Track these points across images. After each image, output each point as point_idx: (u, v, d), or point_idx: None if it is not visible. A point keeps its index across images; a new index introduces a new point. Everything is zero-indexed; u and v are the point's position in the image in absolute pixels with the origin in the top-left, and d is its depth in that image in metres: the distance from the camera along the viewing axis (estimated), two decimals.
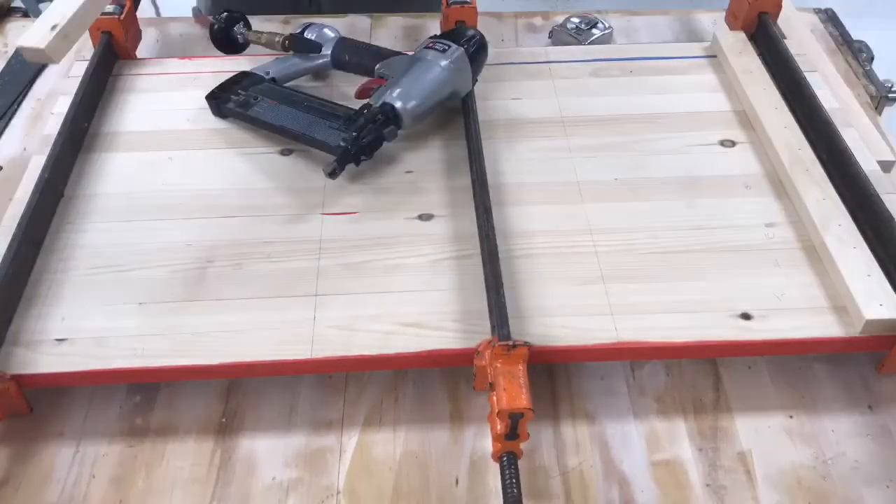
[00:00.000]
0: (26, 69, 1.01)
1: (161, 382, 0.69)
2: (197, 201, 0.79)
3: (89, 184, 0.79)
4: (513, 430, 0.59)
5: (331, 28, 0.92)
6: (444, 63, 0.83)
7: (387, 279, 0.72)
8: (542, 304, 0.70)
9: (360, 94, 0.87)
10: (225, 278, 0.72)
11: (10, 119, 0.94)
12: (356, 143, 0.78)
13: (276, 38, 0.91)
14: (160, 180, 0.82)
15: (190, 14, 1.18)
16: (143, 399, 0.69)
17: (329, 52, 0.90)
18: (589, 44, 1.03)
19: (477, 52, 0.87)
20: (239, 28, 0.95)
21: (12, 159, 0.89)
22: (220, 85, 0.89)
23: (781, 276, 0.72)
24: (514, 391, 0.59)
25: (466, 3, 0.95)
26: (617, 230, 0.76)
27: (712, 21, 1.08)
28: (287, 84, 0.91)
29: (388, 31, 1.07)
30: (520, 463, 0.59)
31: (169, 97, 0.91)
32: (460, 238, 0.76)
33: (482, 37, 0.88)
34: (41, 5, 1.13)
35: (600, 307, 0.69)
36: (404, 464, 0.64)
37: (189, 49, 1.05)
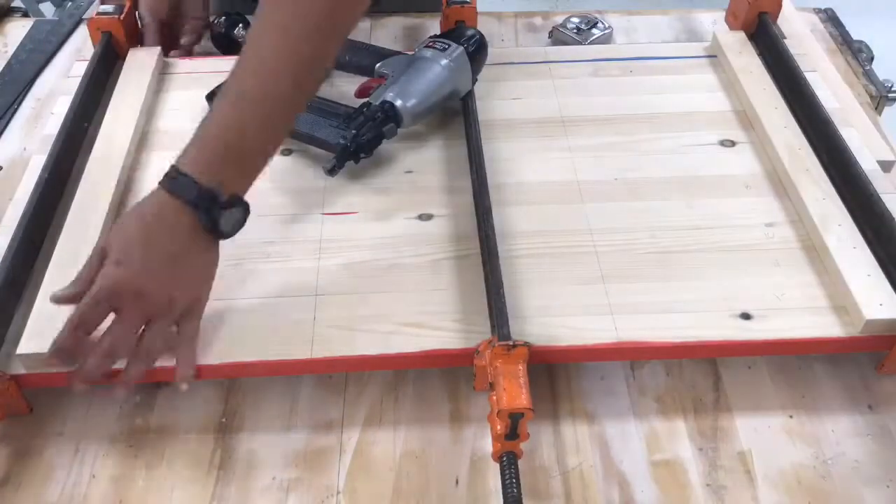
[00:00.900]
0: (26, 69, 1.01)
1: (161, 382, 0.69)
2: None
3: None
4: (513, 430, 0.59)
5: None
6: (443, 62, 0.83)
7: (387, 279, 0.72)
8: (542, 304, 0.70)
9: (360, 93, 0.87)
10: (225, 278, 0.72)
11: (10, 119, 0.94)
12: (356, 141, 0.78)
13: None
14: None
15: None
16: (143, 399, 0.69)
17: None
18: (589, 44, 1.03)
19: (477, 51, 0.87)
20: (239, 31, 0.96)
21: (12, 159, 0.89)
22: (220, 84, 0.89)
23: (781, 276, 0.72)
24: (514, 391, 0.59)
25: (466, 2, 0.95)
26: (617, 230, 0.76)
27: (712, 21, 1.08)
28: None
29: (387, 31, 1.07)
30: (520, 463, 0.59)
31: (169, 97, 0.92)
32: (460, 238, 0.76)
33: (482, 36, 0.88)
34: (41, 5, 1.13)
35: (600, 307, 0.69)
36: (404, 464, 0.64)
37: None
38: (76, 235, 0.73)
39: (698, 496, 0.62)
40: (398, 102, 0.80)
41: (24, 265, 0.72)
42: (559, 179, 0.81)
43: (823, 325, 0.68)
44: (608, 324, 0.68)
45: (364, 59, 0.89)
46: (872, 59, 1.02)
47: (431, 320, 0.69)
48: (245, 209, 0.67)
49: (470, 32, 0.88)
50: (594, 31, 1.04)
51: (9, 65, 1.02)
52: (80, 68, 0.92)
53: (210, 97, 0.88)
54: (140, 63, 0.93)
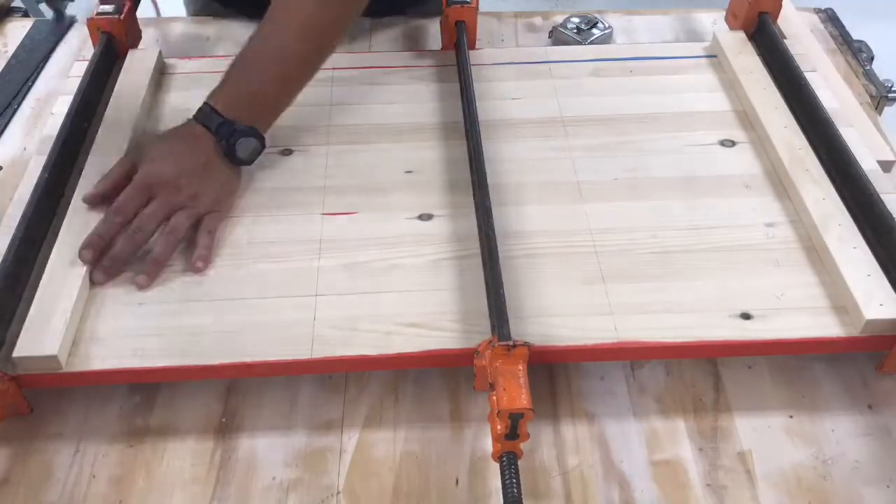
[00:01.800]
0: (26, 69, 1.01)
1: (161, 382, 0.69)
2: None
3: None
4: (513, 430, 0.59)
5: None
6: None
7: (387, 279, 0.72)
8: (542, 304, 0.70)
9: None
10: (225, 278, 0.72)
11: (10, 119, 0.94)
12: None
13: None
14: None
15: (190, 14, 1.18)
16: (143, 399, 0.69)
17: None
18: (589, 44, 1.03)
19: None
20: None
21: (12, 159, 0.89)
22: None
23: (781, 276, 0.72)
24: (514, 391, 0.59)
25: (466, 2, 0.95)
26: (617, 230, 0.76)
27: (712, 21, 1.08)
28: None
29: (387, 34, 1.07)
30: (520, 463, 0.59)
31: (169, 97, 0.92)
32: (460, 238, 0.76)
33: None
34: (41, 5, 1.13)
35: (600, 307, 0.69)
36: (404, 464, 0.64)
37: (189, 49, 1.05)
38: (76, 236, 0.73)
39: (698, 496, 0.62)
40: None
41: (24, 265, 0.72)
42: (559, 179, 0.81)
43: (823, 325, 0.68)
44: (608, 324, 0.68)
45: None
46: (872, 59, 1.02)
47: (431, 320, 0.69)
48: (261, 141, 0.79)
49: None
50: (594, 31, 1.04)
51: (9, 65, 1.02)
52: (80, 68, 0.92)
53: None
54: (140, 63, 0.93)
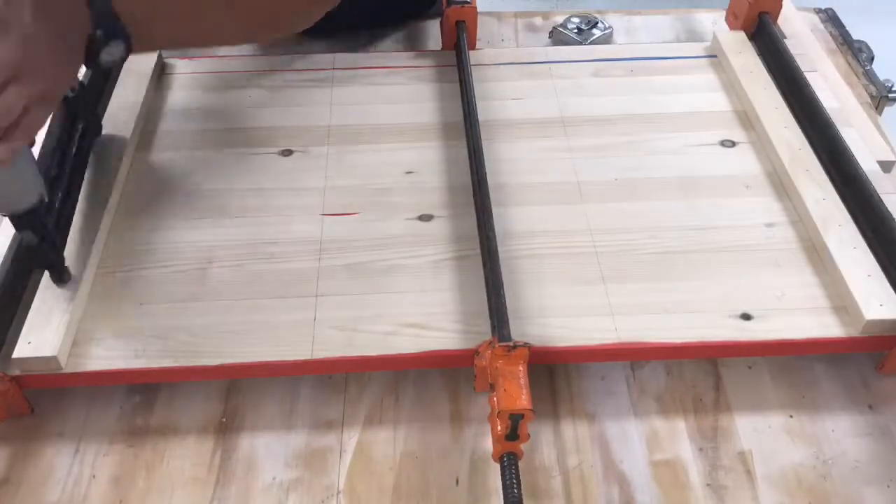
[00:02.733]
0: None
1: (161, 382, 0.69)
2: (197, 201, 0.79)
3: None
4: (513, 431, 0.59)
5: None
6: None
7: (387, 279, 0.72)
8: (542, 305, 0.70)
9: None
10: (225, 278, 0.72)
11: None
12: None
13: None
14: (160, 180, 0.82)
15: None
16: (143, 399, 0.69)
17: None
18: (589, 44, 1.03)
19: None
20: None
21: None
22: None
23: (781, 276, 0.72)
24: (514, 392, 0.59)
25: (466, 2, 0.95)
26: (617, 230, 0.76)
27: (712, 21, 1.08)
28: None
29: (387, 34, 1.07)
30: (520, 463, 0.59)
31: (169, 97, 0.92)
32: (460, 238, 0.76)
33: None
34: None
35: (600, 307, 0.69)
36: (404, 464, 0.65)
37: (188, 49, 1.05)
38: (75, 236, 0.73)
39: (698, 496, 0.62)
40: None
41: (24, 266, 0.72)
42: (559, 179, 0.81)
43: (824, 326, 0.68)
44: (608, 324, 0.68)
45: None
46: (872, 59, 1.02)
47: (432, 321, 0.69)
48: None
49: None
50: (594, 31, 1.04)
51: None
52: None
53: None
54: (140, 63, 0.93)
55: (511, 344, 0.62)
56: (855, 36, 1.06)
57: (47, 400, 0.68)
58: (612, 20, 1.07)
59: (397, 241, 0.76)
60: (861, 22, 1.15)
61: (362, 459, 0.65)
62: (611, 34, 1.05)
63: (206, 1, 0.70)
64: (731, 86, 0.92)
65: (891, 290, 0.68)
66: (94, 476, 0.64)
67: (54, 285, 0.69)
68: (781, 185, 0.80)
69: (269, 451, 0.65)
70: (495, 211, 0.74)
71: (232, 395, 0.69)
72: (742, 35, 0.97)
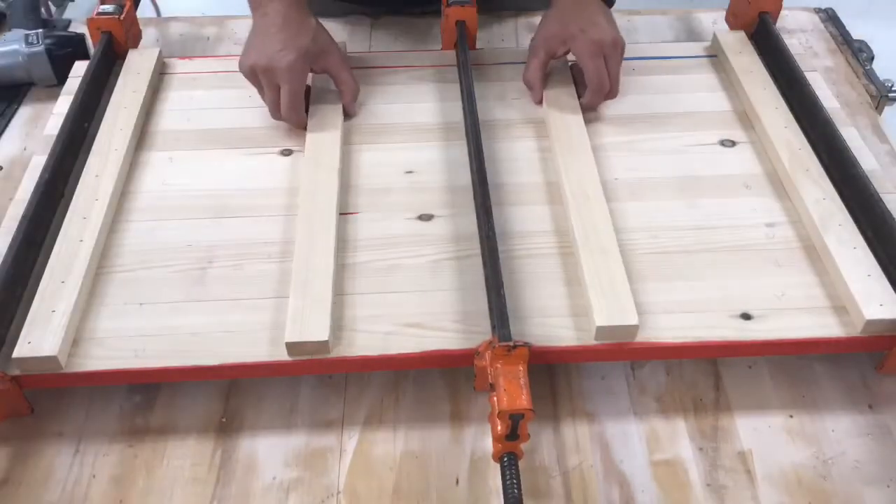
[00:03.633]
0: None
1: (161, 382, 0.69)
2: (197, 201, 0.79)
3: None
4: (513, 431, 0.59)
5: None
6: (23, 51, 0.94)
7: (387, 279, 0.72)
8: (542, 304, 0.70)
9: None
10: (225, 278, 0.72)
11: (11, 119, 0.94)
12: None
13: None
14: (160, 180, 0.82)
15: (190, 14, 1.18)
16: (143, 399, 0.69)
17: None
18: None
19: (61, 55, 0.95)
20: None
21: (12, 159, 0.89)
22: None
23: (781, 276, 0.72)
24: (514, 392, 0.59)
25: (466, 2, 0.95)
26: (617, 230, 0.76)
27: (712, 21, 1.08)
28: None
29: (387, 34, 1.07)
30: (520, 463, 0.59)
31: (169, 97, 0.92)
32: (460, 238, 0.76)
33: (76, 42, 0.97)
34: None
35: None
36: (404, 464, 0.64)
37: (189, 49, 1.05)
38: (75, 236, 0.73)
39: (698, 496, 0.62)
40: None
41: (24, 265, 0.72)
42: (559, 180, 0.81)
43: (824, 325, 0.68)
44: None
45: None
46: (872, 58, 1.02)
47: (432, 321, 0.69)
48: None
49: (66, 36, 0.97)
50: None
51: None
52: (81, 68, 0.92)
53: None
54: (140, 63, 0.93)
55: (511, 344, 0.62)
56: (855, 36, 1.06)
57: (47, 400, 0.68)
58: None
59: (397, 240, 0.76)
60: (861, 22, 1.15)
61: (362, 459, 0.65)
62: None
63: None
64: (731, 86, 0.92)
65: (891, 289, 0.68)
66: (94, 476, 0.64)
67: (55, 285, 0.69)
68: (781, 185, 0.80)
69: (269, 451, 0.65)
70: (495, 210, 0.74)
71: (232, 395, 0.69)
72: (742, 35, 0.97)
